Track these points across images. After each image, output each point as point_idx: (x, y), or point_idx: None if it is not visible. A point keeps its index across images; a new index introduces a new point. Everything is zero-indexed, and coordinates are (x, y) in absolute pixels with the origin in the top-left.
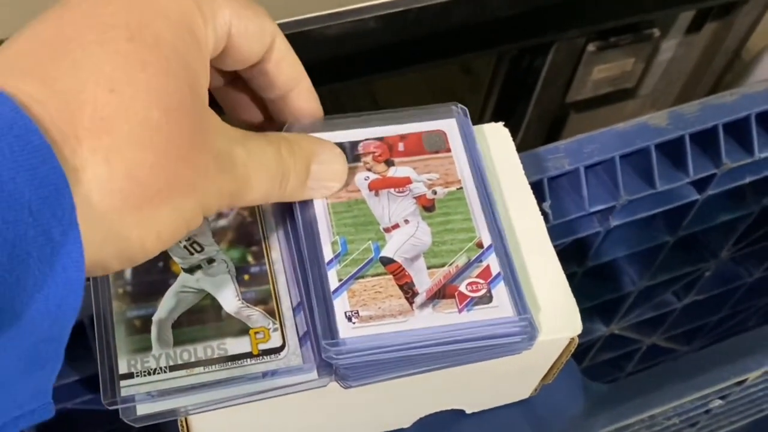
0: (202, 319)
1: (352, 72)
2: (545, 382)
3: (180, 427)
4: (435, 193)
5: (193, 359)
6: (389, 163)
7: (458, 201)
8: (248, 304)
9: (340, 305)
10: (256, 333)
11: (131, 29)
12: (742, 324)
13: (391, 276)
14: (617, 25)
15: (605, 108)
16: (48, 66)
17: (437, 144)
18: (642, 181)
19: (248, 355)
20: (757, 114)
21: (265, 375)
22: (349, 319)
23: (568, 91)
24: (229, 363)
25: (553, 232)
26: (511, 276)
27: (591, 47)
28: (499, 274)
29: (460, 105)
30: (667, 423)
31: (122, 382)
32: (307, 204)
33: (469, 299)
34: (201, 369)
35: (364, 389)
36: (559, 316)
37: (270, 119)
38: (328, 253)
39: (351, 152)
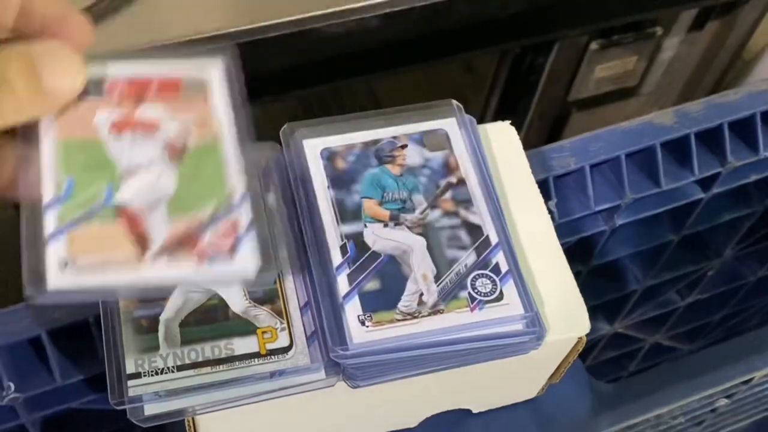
0: (209, 318)
1: (355, 70)
2: (552, 381)
3: (187, 427)
4: (186, 144)
5: (200, 359)
6: (138, 101)
7: (211, 155)
8: (255, 304)
9: (54, 251)
10: (263, 333)
11: None
12: (743, 323)
13: (122, 223)
14: (620, 24)
15: (607, 106)
16: None
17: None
18: (647, 179)
19: (256, 355)
20: (762, 113)
21: (272, 375)
22: (65, 265)
23: (570, 90)
24: (237, 363)
25: (559, 231)
26: (517, 274)
27: (593, 45)
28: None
29: None
30: (673, 422)
31: (130, 382)
32: (34, 141)
33: (209, 255)
34: (209, 369)
35: (372, 389)
36: (566, 316)
37: None
38: (48, 194)
39: (95, 88)
